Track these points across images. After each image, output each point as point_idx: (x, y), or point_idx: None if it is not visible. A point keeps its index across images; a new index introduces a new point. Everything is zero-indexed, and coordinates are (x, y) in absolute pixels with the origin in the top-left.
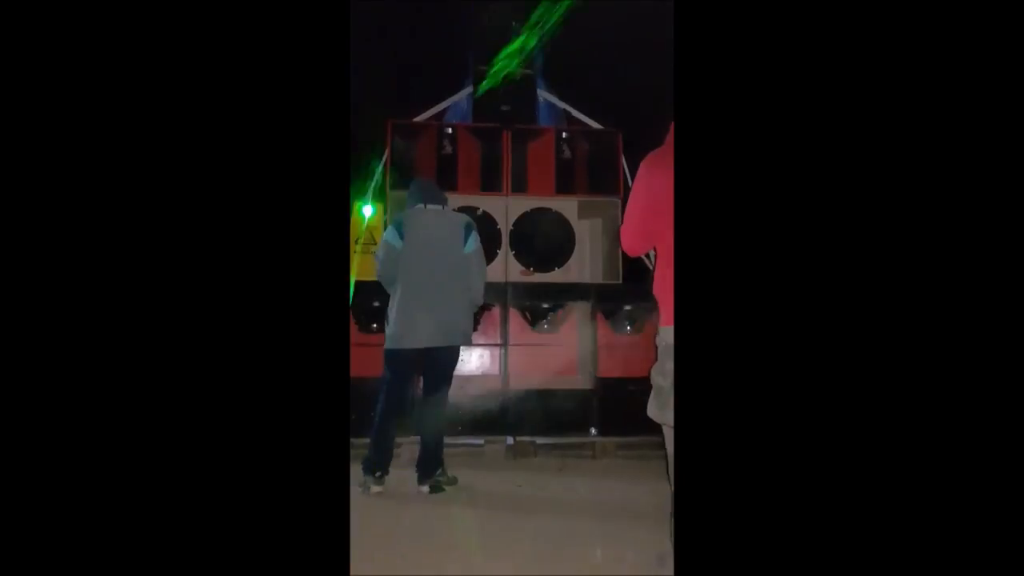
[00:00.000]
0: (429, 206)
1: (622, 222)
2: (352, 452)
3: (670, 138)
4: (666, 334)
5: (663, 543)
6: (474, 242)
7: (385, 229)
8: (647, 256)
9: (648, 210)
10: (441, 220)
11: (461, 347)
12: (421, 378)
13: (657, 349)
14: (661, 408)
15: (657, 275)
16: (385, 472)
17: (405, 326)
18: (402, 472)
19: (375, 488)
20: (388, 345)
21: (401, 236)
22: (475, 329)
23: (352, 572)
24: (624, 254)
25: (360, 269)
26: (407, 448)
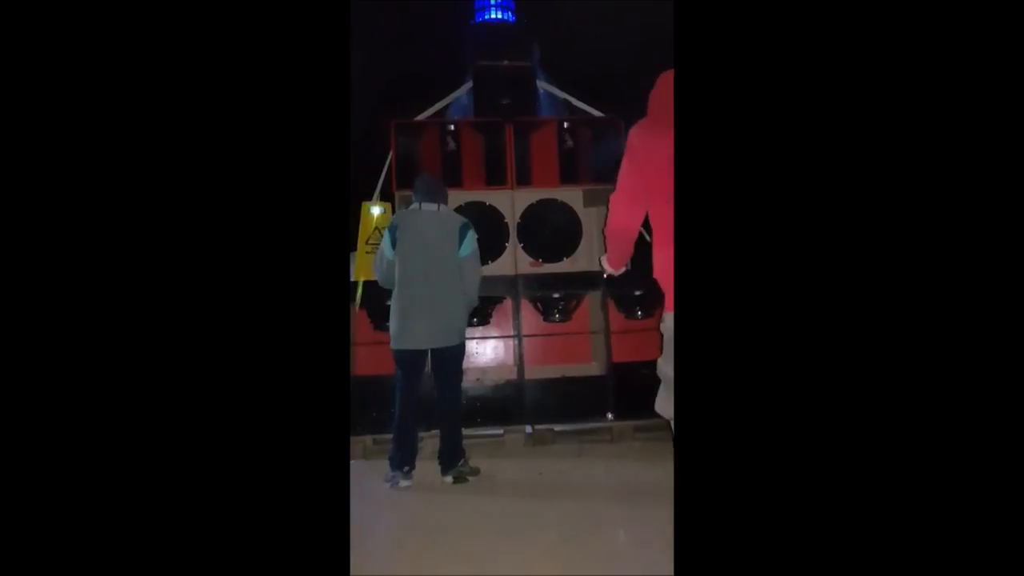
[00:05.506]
0: (424, 206)
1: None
2: (376, 447)
3: (652, 109)
4: (670, 320)
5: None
6: (470, 245)
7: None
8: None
9: (641, 177)
10: (435, 222)
11: (468, 341)
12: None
13: (662, 338)
14: (671, 401)
15: (656, 257)
16: (412, 467)
17: (402, 328)
18: (427, 464)
19: (403, 483)
20: (391, 345)
21: (394, 243)
22: (488, 322)
23: (381, 561)
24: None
25: (371, 269)
26: (429, 442)
